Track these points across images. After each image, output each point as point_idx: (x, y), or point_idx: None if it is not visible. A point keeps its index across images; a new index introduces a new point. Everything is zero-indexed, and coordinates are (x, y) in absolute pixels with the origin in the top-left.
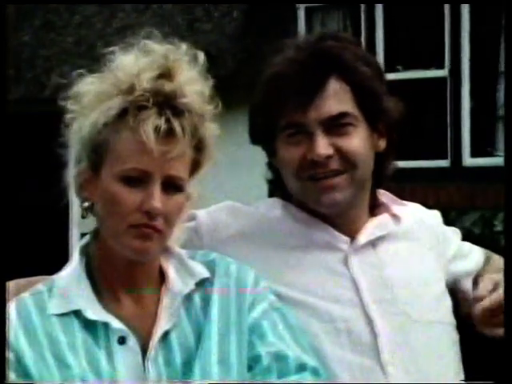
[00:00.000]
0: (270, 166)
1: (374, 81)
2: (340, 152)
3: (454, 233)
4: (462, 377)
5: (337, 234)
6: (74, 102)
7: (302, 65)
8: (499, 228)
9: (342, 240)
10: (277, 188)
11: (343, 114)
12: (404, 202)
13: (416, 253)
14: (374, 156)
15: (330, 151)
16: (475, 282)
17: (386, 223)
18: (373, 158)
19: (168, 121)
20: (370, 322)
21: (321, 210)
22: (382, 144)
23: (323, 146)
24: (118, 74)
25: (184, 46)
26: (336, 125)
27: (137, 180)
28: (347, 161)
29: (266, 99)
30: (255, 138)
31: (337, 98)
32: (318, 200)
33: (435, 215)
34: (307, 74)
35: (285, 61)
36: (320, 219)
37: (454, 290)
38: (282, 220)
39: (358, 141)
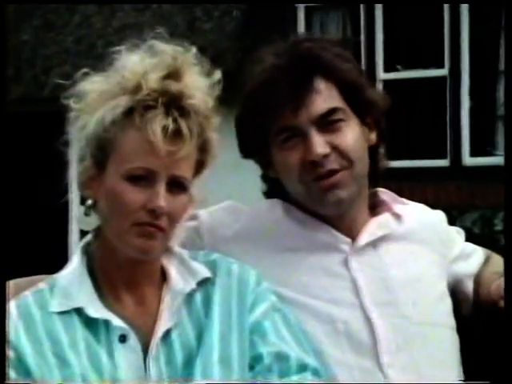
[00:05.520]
0: (265, 178)
1: (356, 75)
2: (336, 149)
3: (457, 233)
4: (461, 378)
5: (338, 234)
6: (77, 100)
7: (285, 69)
8: (499, 227)
9: (343, 241)
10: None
11: (333, 110)
12: (406, 200)
13: (417, 253)
14: (368, 151)
15: (327, 149)
16: (476, 283)
17: (388, 223)
18: (367, 153)
19: (175, 121)
20: (369, 324)
21: (326, 210)
22: (373, 137)
23: (319, 144)
24: (124, 73)
25: (193, 50)
26: (328, 122)
27: (142, 179)
28: (344, 157)
29: (254, 109)
30: (247, 152)
31: (324, 96)
32: (323, 199)
33: (439, 215)
34: (292, 77)
35: (267, 69)
36: (321, 220)
37: (454, 290)
38: (283, 221)
39: (351, 136)
